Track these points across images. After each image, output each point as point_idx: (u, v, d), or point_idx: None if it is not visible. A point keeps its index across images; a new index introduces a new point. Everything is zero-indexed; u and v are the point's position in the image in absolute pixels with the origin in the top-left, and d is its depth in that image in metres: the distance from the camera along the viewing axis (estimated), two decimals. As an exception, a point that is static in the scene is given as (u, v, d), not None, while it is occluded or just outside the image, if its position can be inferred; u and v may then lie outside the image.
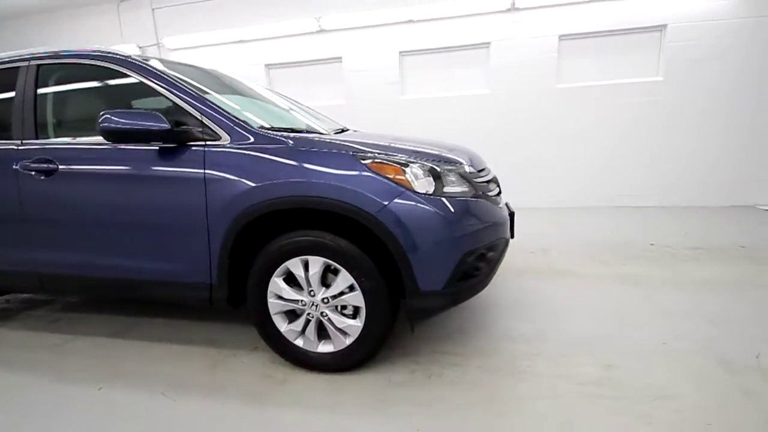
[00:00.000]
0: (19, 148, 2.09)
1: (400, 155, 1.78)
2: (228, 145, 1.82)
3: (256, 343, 2.17)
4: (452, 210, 1.71)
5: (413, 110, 5.64)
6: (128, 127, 1.75)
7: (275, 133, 1.88)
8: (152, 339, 2.32)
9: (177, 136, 1.83)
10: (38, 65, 2.15)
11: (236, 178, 1.76)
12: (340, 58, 5.73)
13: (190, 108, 1.88)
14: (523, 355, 1.99)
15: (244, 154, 1.79)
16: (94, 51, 2.07)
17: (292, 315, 1.90)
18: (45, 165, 2.02)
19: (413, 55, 5.57)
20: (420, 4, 5.25)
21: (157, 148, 1.89)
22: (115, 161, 1.95)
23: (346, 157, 1.73)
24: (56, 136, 2.11)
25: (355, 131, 2.62)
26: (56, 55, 2.14)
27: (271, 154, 1.77)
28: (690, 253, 3.34)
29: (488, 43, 5.22)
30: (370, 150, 1.77)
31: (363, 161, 1.70)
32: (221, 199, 1.78)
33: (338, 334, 1.82)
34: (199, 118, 1.87)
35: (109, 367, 2.05)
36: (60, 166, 1.99)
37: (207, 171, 1.79)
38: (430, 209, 1.67)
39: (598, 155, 5.25)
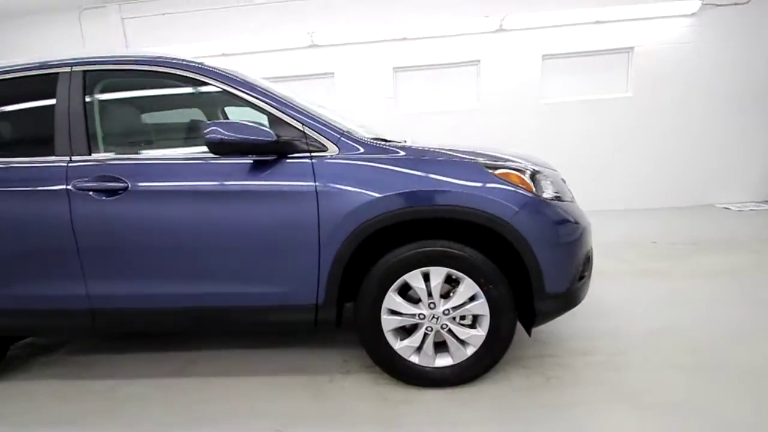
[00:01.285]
0: (70, 165, 1.81)
1: (517, 163, 1.81)
2: (339, 156, 1.73)
3: (341, 367, 2.05)
4: (570, 213, 1.78)
5: (406, 124, 5.75)
6: (238, 139, 1.60)
7: (382, 142, 1.83)
8: (221, 374, 2.07)
9: (280, 148, 1.71)
10: (84, 71, 1.89)
11: (357, 189, 1.67)
12: (333, 73, 5.70)
13: (289, 118, 1.76)
14: (615, 350, 2.07)
15: (363, 164, 1.72)
16: (160, 57, 1.87)
17: (403, 331, 1.82)
18: (110, 183, 1.76)
19: (407, 71, 5.71)
20: (414, 22, 5.43)
21: (251, 161, 1.75)
22: (204, 176, 1.75)
23: (475, 166, 1.72)
24: (115, 151, 1.85)
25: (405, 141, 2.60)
26: (108, 61, 1.90)
27: (390, 164, 1.72)
28: (688, 248, 3.76)
29: (478, 60, 5.52)
30: (489, 159, 1.79)
31: (491, 170, 1.71)
32: (337, 212, 1.67)
33: (459, 345, 1.78)
34: (300, 129, 1.76)
35: (191, 410, 1.79)
36: (131, 184, 1.76)
37: (318, 183, 1.69)
38: (555, 213, 1.72)
39: (578, 164, 5.70)
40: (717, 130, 5.46)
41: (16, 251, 1.83)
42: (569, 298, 1.77)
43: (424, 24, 5.45)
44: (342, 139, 1.77)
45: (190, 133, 2.08)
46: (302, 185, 1.69)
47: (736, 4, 4.92)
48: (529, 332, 1.87)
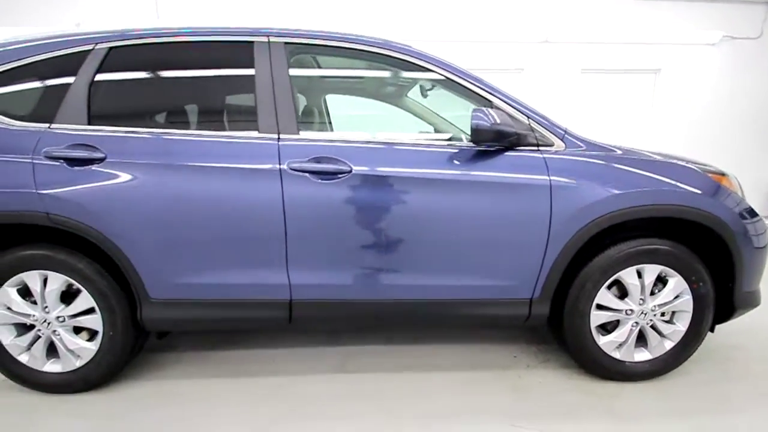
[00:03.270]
0: (281, 143, 1.66)
1: (715, 167, 1.89)
2: (566, 152, 1.74)
3: (516, 362, 2.05)
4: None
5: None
6: (500, 127, 1.57)
7: (596, 140, 1.84)
8: (396, 369, 1.99)
9: (515, 140, 1.68)
10: (285, 43, 1.74)
11: (593, 185, 1.68)
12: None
13: (516, 111, 1.74)
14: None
15: (592, 161, 1.73)
16: (377, 39, 1.77)
17: (601, 327, 1.84)
18: (330, 165, 1.63)
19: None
20: (463, 26, 5.50)
21: (475, 150, 1.71)
22: (428, 164, 1.70)
23: (692, 169, 1.80)
24: (326, 130, 1.72)
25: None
26: (312, 35, 1.76)
27: (617, 163, 1.75)
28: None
29: (522, 69, 5.70)
30: (695, 163, 1.86)
31: (708, 173, 1.80)
32: (571, 207, 1.68)
33: (660, 340, 1.84)
34: (527, 123, 1.74)
35: (406, 407, 1.72)
36: (354, 168, 1.64)
37: (552, 178, 1.68)
38: (756, 217, 1.84)
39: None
40: (728, 153, 6.04)
41: (215, 235, 1.65)
42: (756, 297, 1.90)
43: (474, 28, 5.55)
44: (566, 135, 1.78)
45: (403, 117, 1.99)
46: (536, 178, 1.68)
47: (748, 38, 5.52)
48: (713, 329, 1.99)
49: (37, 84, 1.75)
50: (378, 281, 1.72)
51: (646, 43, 5.59)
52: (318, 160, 1.64)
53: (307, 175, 1.63)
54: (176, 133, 1.68)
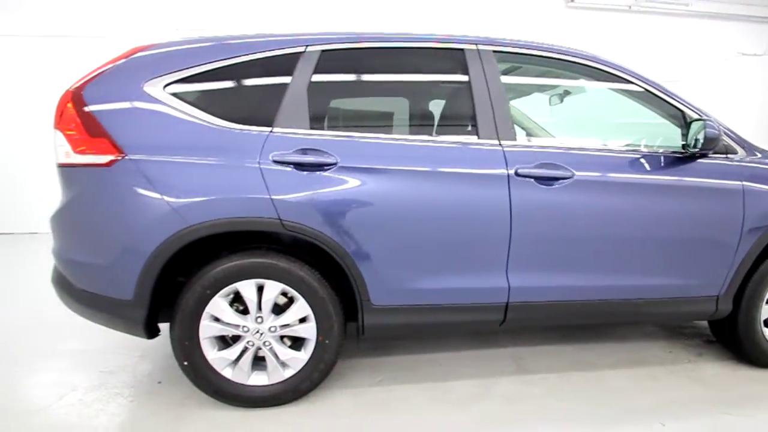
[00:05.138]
0: (506, 149, 1.69)
1: None
2: (750, 159, 1.89)
3: (678, 356, 2.16)
4: None
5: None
6: (723, 137, 1.69)
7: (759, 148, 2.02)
8: (566, 369, 2.04)
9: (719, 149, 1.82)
10: (494, 51, 1.77)
11: None
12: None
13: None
14: None
15: None
16: (581, 52, 1.86)
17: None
18: (554, 171, 1.69)
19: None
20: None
21: (674, 157, 1.83)
22: (640, 170, 1.79)
23: None
24: (534, 136, 1.76)
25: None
26: (517, 44, 1.82)
27: None
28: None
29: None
30: None
31: None
32: (759, 209, 1.83)
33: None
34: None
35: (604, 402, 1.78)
36: (576, 173, 1.70)
37: (745, 183, 1.82)
38: None
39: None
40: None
41: (440, 240, 1.66)
42: None
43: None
44: (745, 143, 1.93)
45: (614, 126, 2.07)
46: (732, 183, 1.82)
47: (756, 54, 6.07)
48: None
49: (247, 85, 1.68)
50: (589, 283, 1.79)
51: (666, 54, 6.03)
52: (543, 165, 1.69)
53: (532, 180, 1.68)
54: (400, 138, 1.67)
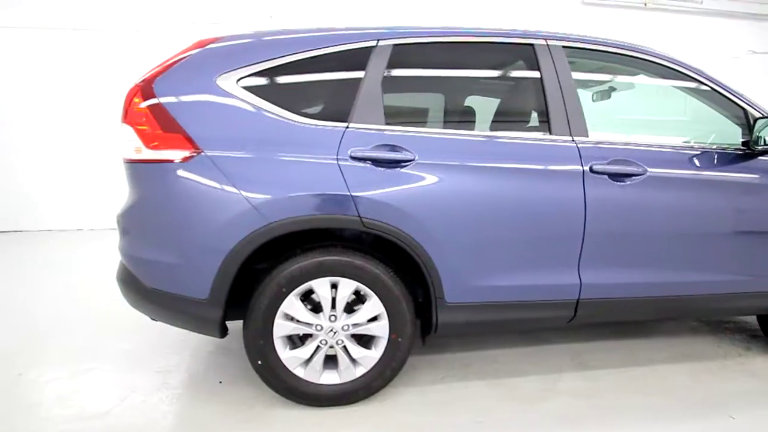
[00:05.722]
0: (580, 145, 1.68)
1: None
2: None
3: (728, 350, 2.18)
4: None
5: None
6: None
7: None
8: (624, 365, 2.06)
9: None
10: (563, 46, 1.76)
11: None
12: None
13: None
14: None
15: None
16: (650, 49, 1.86)
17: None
18: (627, 167, 1.69)
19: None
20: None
21: (735, 154, 1.85)
22: (710, 166, 1.81)
23: None
24: (608, 132, 1.76)
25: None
26: (586, 40, 1.82)
27: None
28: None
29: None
30: None
31: None
32: None
33: None
34: (774, 130, 1.89)
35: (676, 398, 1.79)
36: (648, 170, 1.70)
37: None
38: None
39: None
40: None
41: (515, 237, 1.65)
42: None
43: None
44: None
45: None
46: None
47: (766, 52, 6.16)
48: None
49: (320, 79, 1.65)
50: (658, 279, 1.80)
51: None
52: (617, 162, 1.69)
53: (605, 177, 1.68)
54: (474, 134, 1.66)
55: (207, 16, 4.95)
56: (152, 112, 1.52)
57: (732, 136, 1.95)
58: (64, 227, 5.10)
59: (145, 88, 1.55)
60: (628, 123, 2.03)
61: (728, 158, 1.85)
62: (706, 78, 1.89)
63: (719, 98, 1.90)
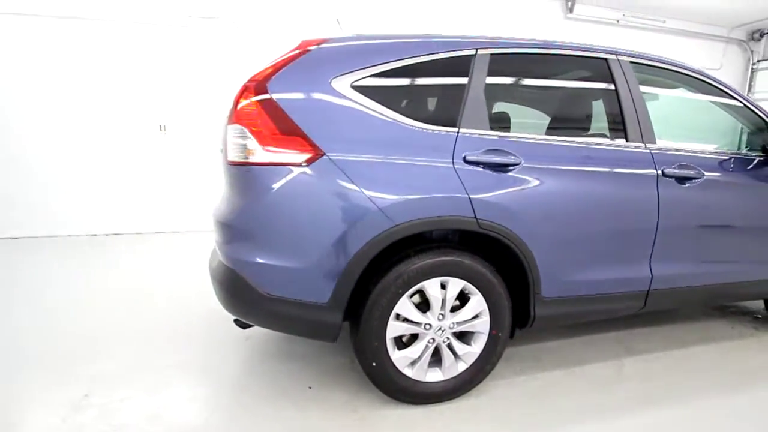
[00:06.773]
0: (653, 152, 1.88)
1: None
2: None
3: (741, 331, 2.49)
4: None
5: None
6: None
7: None
8: (655, 350, 2.27)
9: None
10: (631, 62, 1.95)
11: None
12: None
13: None
14: None
15: None
16: (695, 68, 2.09)
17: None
18: (691, 171, 1.92)
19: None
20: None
21: (759, 159, 2.15)
22: (738, 171, 2.08)
23: None
24: (667, 140, 1.94)
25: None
26: (648, 57, 2.02)
27: None
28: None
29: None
30: None
31: None
32: None
33: None
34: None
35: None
36: (706, 174, 1.94)
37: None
38: None
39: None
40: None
41: (602, 235, 1.80)
42: None
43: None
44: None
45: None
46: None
47: (713, 69, 6.98)
48: None
49: (428, 84, 1.68)
50: (713, 269, 2.05)
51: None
52: (682, 166, 1.91)
53: (673, 180, 1.89)
54: (570, 141, 1.79)
55: (202, 10, 4.71)
56: (268, 113, 1.48)
57: (754, 143, 2.26)
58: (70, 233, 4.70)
59: (259, 89, 1.50)
60: (677, 131, 2.29)
61: (756, 163, 2.14)
62: (740, 96, 2.17)
63: (747, 112, 2.19)
